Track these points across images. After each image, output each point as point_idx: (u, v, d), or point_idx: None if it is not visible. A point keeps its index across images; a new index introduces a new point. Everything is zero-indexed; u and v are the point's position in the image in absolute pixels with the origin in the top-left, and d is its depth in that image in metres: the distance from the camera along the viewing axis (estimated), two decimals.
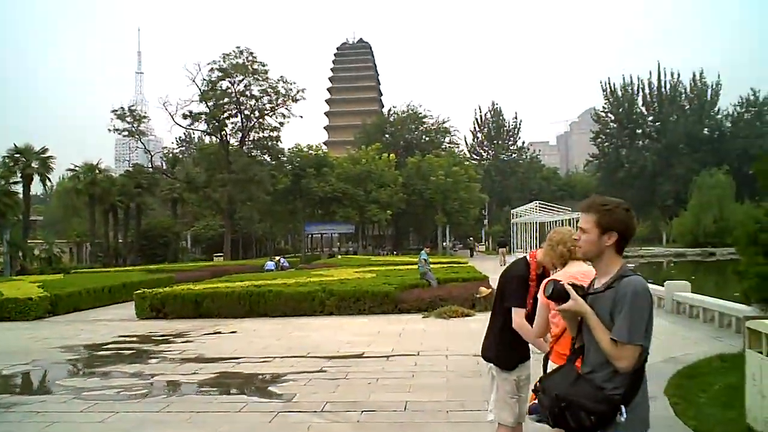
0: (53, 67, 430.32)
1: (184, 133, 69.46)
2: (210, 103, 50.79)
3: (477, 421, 5.62)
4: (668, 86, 75.59)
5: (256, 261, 41.25)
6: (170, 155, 60.66)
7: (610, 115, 78.59)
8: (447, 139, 73.78)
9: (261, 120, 53.36)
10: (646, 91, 76.37)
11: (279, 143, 55.51)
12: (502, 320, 4.17)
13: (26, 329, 14.56)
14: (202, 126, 54.42)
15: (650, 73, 79.57)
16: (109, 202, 50.04)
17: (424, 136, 72.38)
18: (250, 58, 50.74)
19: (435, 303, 14.94)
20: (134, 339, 12.62)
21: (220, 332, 13.07)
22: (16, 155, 44.06)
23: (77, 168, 50.06)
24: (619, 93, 77.00)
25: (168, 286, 18.63)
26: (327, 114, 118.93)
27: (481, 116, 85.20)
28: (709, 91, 74.90)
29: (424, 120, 72.65)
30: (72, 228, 57.23)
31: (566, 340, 3.05)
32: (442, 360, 9.26)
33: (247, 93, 51.84)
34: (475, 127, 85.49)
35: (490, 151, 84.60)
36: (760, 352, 5.28)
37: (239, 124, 53.19)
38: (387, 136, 71.22)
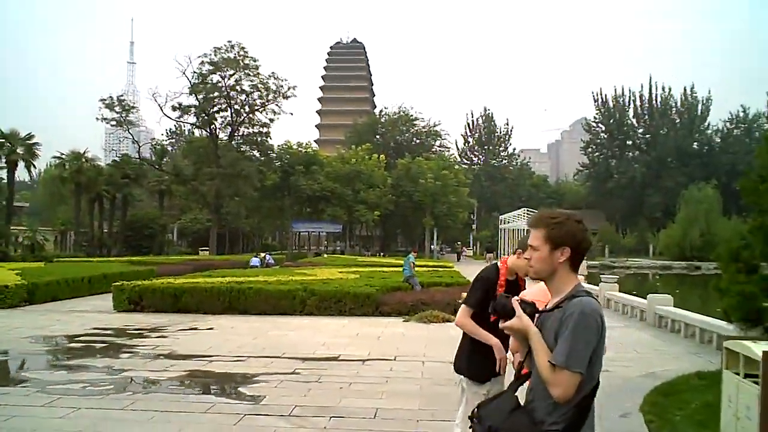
0: (44, 56, 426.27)
1: (175, 126, 69.22)
2: (200, 96, 50.63)
3: None
4: (659, 99, 76.26)
5: (241, 256, 40.89)
6: (159, 147, 60.20)
7: (601, 125, 79.16)
8: (437, 143, 74.07)
9: (251, 115, 53.32)
10: (638, 103, 77.10)
11: (269, 139, 55.58)
12: None
13: None
14: (192, 119, 54.30)
15: (642, 85, 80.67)
16: (95, 191, 49.41)
17: (414, 139, 72.53)
18: (242, 52, 50.69)
19: (417, 307, 14.78)
20: (108, 332, 12.37)
21: (196, 328, 12.87)
22: (0, 140, 43.44)
23: (63, 156, 49.48)
24: (611, 104, 77.64)
25: (149, 279, 18.37)
26: (318, 112, 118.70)
27: (472, 121, 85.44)
28: (700, 106, 75.63)
29: (415, 122, 72.83)
30: (57, 216, 56.68)
31: None
32: (418, 366, 9.12)
33: (238, 88, 51.82)
34: (466, 132, 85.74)
35: (480, 157, 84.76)
36: (737, 374, 5.19)
37: (229, 118, 53.13)
38: (378, 136, 71.28)
